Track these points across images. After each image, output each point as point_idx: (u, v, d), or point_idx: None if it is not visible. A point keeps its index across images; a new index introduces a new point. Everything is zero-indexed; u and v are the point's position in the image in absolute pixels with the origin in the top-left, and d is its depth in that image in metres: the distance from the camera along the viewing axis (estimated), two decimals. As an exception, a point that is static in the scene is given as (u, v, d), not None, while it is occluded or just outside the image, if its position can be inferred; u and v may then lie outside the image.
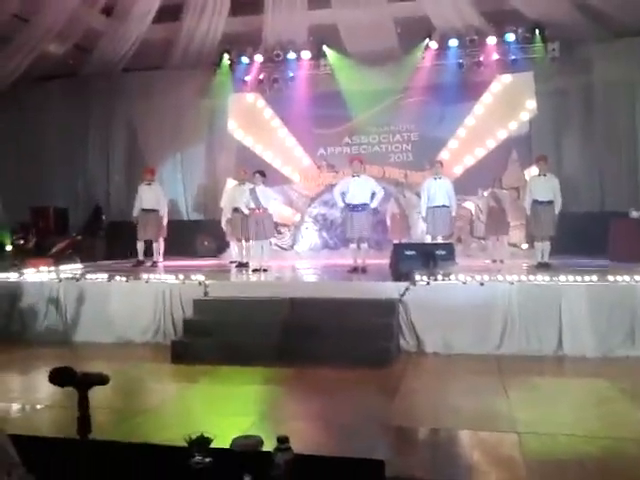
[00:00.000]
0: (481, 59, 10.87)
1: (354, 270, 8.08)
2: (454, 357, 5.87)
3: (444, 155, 10.74)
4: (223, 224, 9.99)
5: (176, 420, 4.24)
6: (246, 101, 11.97)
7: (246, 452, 1.68)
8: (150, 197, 9.57)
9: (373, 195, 8.22)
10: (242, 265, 9.04)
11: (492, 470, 3.35)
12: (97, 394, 1.83)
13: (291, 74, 11.60)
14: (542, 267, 7.81)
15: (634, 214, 8.79)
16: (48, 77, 12.12)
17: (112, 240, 11.56)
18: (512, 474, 3.27)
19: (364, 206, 8.14)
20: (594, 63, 10.20)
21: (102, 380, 1.70)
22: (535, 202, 8.21)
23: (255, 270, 8.47)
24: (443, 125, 11.00)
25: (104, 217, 12.35)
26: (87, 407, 1.68)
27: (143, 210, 9.53)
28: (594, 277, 6.24)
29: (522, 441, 3.72)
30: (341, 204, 8.38)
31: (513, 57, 10.71)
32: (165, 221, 9.80)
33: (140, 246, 9.56)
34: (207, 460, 1.86)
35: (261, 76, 11.71)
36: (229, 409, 4.58)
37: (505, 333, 6.00)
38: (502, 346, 5.96)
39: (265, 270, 8.40)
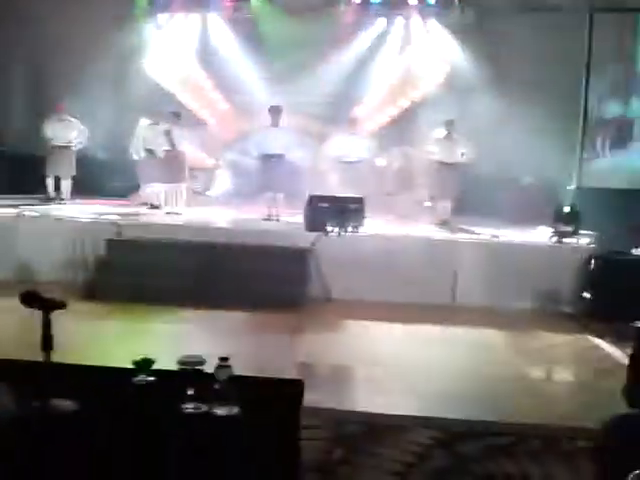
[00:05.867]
0: (401, 18, 11.11)
1: (268, 218, 8.28)
2: (358, 303, 6.28)
3: (360, 111, 10.98)
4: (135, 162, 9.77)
5: (87, 353, 4.33)
6: (164, 38, 11.57)
7: (188, 370, 1.90)
8: (61, 133, 9.25)
9: (289, 147, 8.37)
10: (154, 207, 8.96)
11: (384, 397, 3.79)
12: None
13: (212, 14, 11.34)
14: (442, 224, 8.36)
15: (526, 180, 9.55)
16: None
17: (13, 174, 11.01)
18: (405, 401, 3.72)
19: (280, 157, 8.28)
20: (507, 33, 10.67)
21: (61, 304, 1.84)
22: (439, 164, 8.70)
23: (168, 213, 8.46)
24: (360, 80, 11.21)
25: (4, 149, 11.70)
26: (50, 326, 1.83)
27: (54, 146, 9.21)
28: (487, 236, 6.84)
29: (412, 377, 4.19)
30: (255, 153, 8.48)
31: (431, 19, 11.04)
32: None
33: (49, 182, 9.29)
34: (150, 378, 2.09)
35: (180, 14, 11.36)
36: (142, 344, 4.73)
37: (406, 283, 6.49)
38: (402, 295, 6.45)
39: (178, 213, 8.42)
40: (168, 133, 8.42)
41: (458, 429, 3.35)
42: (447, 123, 8.84)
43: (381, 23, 11.17)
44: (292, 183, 9.51)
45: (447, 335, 5.54)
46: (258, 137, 8.50)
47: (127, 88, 11.68)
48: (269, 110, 8.64)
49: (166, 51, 11.52)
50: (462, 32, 10.79)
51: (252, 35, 11.12)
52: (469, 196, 8.61)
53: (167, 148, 8.42)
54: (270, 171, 8.28)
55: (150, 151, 8.85)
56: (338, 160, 9.20)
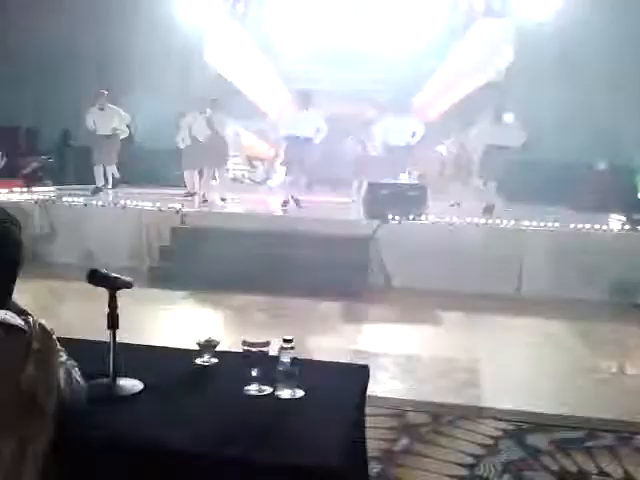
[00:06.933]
0: (464, 1, 10.82)
1: (284, 203, 8.27)
2: (420, 292, 6.15)
3: (420, 97, 10.76)
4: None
5: (154, 338, 4.42)
6: (225, 30, 11.70)
7: (252, 352, 1.87)
8: (102, 122, 9.26)
9: (318, 131, 8.24)
10: (190, 195, 8.96)
11: (449, 386, 3.69)
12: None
13: (271, 3, 11.39)
14: (486, 210, 7.94)
15: (600, 166, 9.13)
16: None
17: (82, 164, 11.42)
18: (471, 391, 3.61)
19: (307, 140, 8.16)
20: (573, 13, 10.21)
21: (127, 284, 1.83)
22: (488, 145, 8.45)
23: (205, 201, 8.54)
24: (420, 66, 10.98)
25: (72, 141, 12.12)
26: (116, 305, 1.83)
27: (98, 136, 9.25)
28: (556, 224, 6.57)
29: (479, 367, 4.07)
30: (283, 135, 8.46)
31: (495, 2, 10.72)
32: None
33: (97, 171, 9.34)
34: (214, 360, 2.08)
35: (241, 4, 11.46)
36: (204, 329, 4.78)
37: (469, 272, 6.31)
38: (465, 284, 6.28)
39: (223, 199, 8.55)
40: (209, 119, 8.54)
41: (528, 421, 3.22)
42: (497, 106, 8.57)
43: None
44: (322, 167, 9.34)
45: (513, 325, 5.35)
46: (286, 119, 8.48)
47: (191, 80, 11.88)
48: (298, 94, 8.60)
49: (228, 43, 11.62)
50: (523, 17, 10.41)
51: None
52: (538, 182, 8.32)
53: (209, 133, 8.54)
54: (296, 153, 8.19)
55: (194, 138, 8.97)
56: (384, 145, 8.93)
